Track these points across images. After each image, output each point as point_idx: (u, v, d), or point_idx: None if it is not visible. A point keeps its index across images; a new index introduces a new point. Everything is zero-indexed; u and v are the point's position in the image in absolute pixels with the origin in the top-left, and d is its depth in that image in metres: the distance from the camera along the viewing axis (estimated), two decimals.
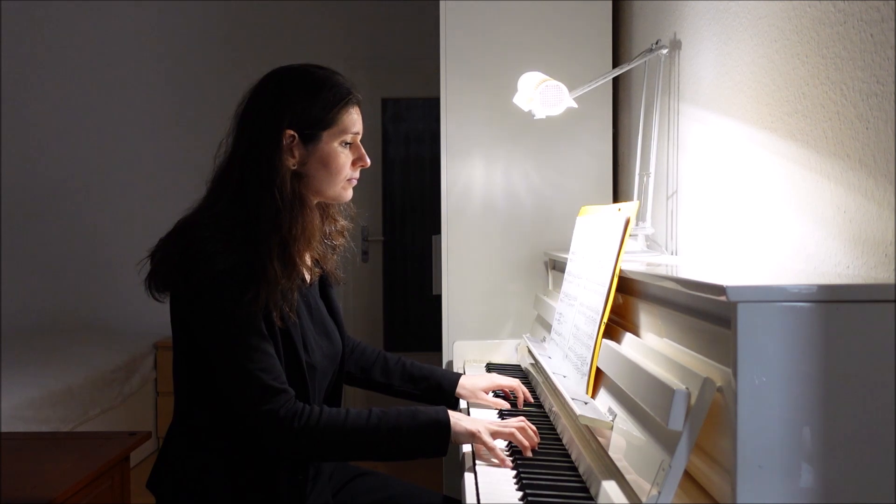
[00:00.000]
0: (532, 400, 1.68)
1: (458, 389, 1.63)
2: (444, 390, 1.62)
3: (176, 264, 1.24)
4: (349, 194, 1.39)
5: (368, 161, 1.38)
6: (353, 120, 1.35)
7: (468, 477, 1.22)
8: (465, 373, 2.00)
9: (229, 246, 1.23)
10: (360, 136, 1.38)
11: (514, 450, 1.31)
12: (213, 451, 1.30)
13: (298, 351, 1.30)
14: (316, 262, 1.44)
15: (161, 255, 1.28)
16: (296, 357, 1.30)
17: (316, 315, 1.41)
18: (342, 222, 1.48)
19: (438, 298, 2.33)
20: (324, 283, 1.49)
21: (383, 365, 1.63)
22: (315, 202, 1.37)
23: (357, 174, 1.38)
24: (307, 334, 1.34)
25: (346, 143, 1.35)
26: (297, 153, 1.31)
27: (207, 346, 1.26)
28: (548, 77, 1.85)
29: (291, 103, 1.30)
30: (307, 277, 1.40)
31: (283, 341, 1.29)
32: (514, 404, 1.66)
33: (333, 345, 1.43)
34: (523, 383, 1.85)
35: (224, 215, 1.27)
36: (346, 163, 1.35)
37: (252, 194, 1.27)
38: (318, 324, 1.41)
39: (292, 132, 1.30)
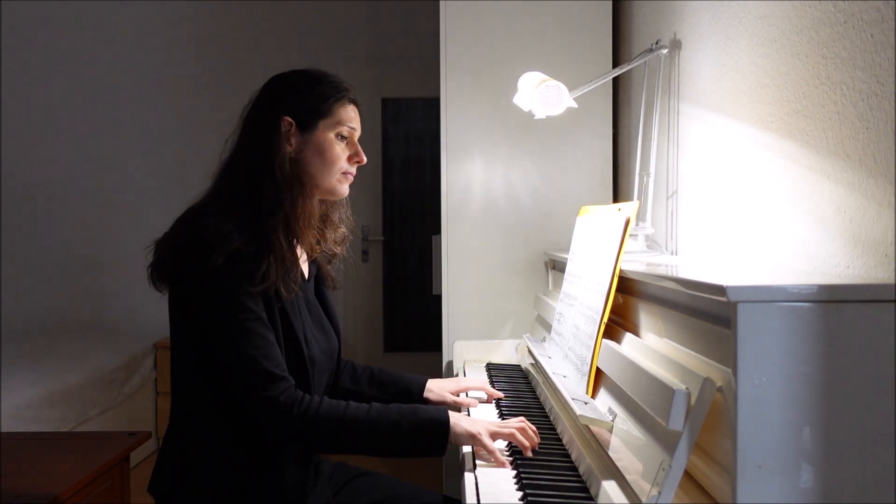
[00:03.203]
0: (501, 395, 1.69)
1: (426, 393, 1.64)
2: (413, 393, 1.63)
3: (185, 251, 1.26)
4: (345, 189, 1.43)
5: (364, 158, 1.42)
6: (350, 116, 1.40)
7: (468, 477, 1.22)
8: (465, 373, 2.01)
9: (237, 227, 1.27)
10: (356, 135, 1.42)
11: (515, 450, 1.31)
12: (213, 451, 1.30)
13: (300, 342, 1.32)
14: (315, 243, 1.45)
15: (167, 244, 1.31)
16: (297, 348, 1.32)
17: (314, 311, 1.43)
18: (343, 229, 1.51)
19: (438, 298, 2.33)
20: (319, 282, 1.50)
21: (352, 373, 1.63)
22: (315, 195, 1.39)
23: (353, 170, 1.42)
24: (306, 328, 1.36)
25: (342, 137, 1.39)
26: (293, 141, 1.36)
27: (210, 332, 1.27)
28: (548, 77, 1.85)
29: (290, 93, 1.37)
30: (305, 272, 1.41)
31: (284, 333, 1.31)
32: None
33: (330, 341, 1.45)
34: (523, 383, 1.86)
35: (228, 201, 1.32)
36: (340, 155, 1.38)
37: (254, 178, 1.32)
38: (316, 318, 1.43)
39: (290, 119, 1.35)
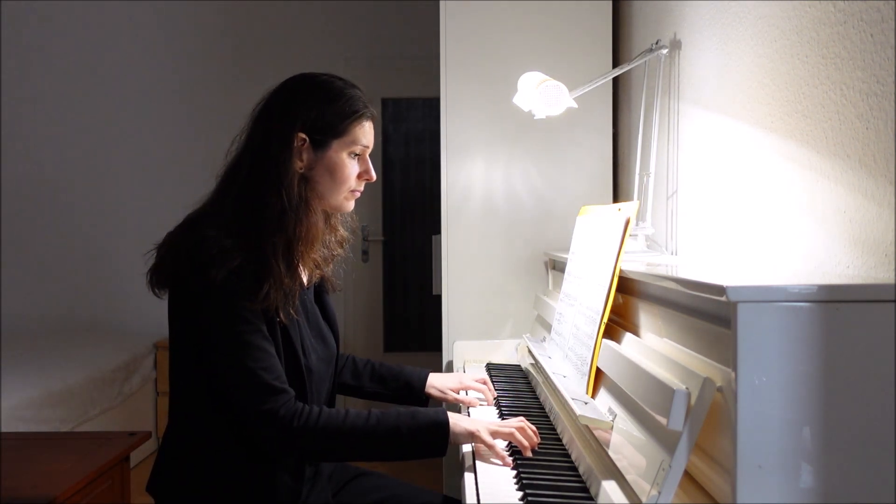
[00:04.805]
0: (495, 393, 1.70)
1: (427, 388, 1.64)
2: (414, 389, 1.63)
3: (184, 261, 1.24)
4: (351, 205, 1.41)
5: (374, 176, 1.40)
6: (365, 133, 1.37)
7: (468, 477, 1.22)
8: (465, 372, 2.00)
9: (237, 244, 1.24)
10: (369, 151, 1.40)
11: (515, 450, 1.31)
12: (211, 452, 1.30)
13: (298, 353, 1.31)
14: (315, 266, 1.44)
15: (167, 250, 1.28)
16: (295, 359, 1.31)
17: (312, 318, 1.42)
18: (342, 233, 1.49)
19: (438, 298, 2.33)
20: (319, 288, 1.50)
21: (352, 368, 1.63)
22: (320, 210, 1.37)
23: (361, 187, 1.40)
24: (304, 337, 1.35)
25: (355, 155, 1.37)
26: (305, 157, 1.32)
27: (210, 343, 1.26)
28: (548, 77, 1.85)
29: (306, 107, 1.31)
30: (304, 281, 1.40)
31: (283, 343, 1.30)
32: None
33: (328, 348, 1.44)
34: (523, 383, 1.86)
35: (231, 213, 1.28)
36: (352, 174, 1.36)
37: (259, 193, 1.28)
38: (314, 327, 1.42)
39: (303, 136, 1.31)
